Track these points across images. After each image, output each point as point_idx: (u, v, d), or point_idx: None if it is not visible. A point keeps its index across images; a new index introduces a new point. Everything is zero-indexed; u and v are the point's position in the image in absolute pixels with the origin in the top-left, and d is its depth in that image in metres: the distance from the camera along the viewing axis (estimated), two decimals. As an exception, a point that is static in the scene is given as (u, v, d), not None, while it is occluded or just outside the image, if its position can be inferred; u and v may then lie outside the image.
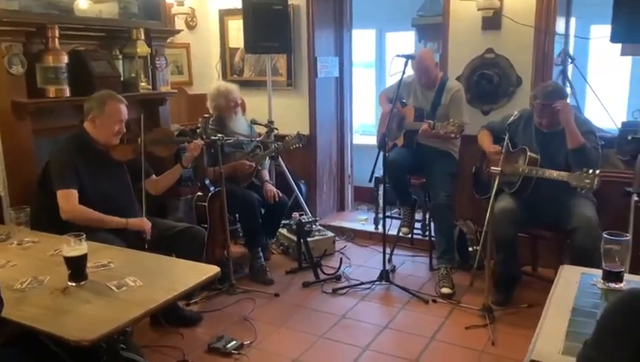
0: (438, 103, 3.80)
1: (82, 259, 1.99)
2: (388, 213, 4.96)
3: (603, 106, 4.13)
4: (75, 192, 2.84)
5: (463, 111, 3.79)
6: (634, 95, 5.40)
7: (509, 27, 3.92)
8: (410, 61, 3.58)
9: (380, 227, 4.65)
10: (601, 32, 4.81)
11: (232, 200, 3.64)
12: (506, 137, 3.17)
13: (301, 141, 4.02)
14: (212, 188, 3.66)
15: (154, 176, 3.32)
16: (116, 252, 2.41)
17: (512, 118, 3.21)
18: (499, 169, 3.10)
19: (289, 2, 4.55)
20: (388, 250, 4.18)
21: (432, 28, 5.63)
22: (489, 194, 3.56)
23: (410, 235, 4.24)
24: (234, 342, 2.96)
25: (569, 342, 1.50)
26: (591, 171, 2.87)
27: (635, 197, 3.28)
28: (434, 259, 3.99)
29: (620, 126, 4.02)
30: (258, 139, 4.01)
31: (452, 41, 4.14)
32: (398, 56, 3.63)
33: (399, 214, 4.81)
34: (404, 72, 3.61)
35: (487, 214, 3.11)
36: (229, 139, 3.65)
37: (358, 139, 5.87)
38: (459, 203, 4.15)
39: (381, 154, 3.57)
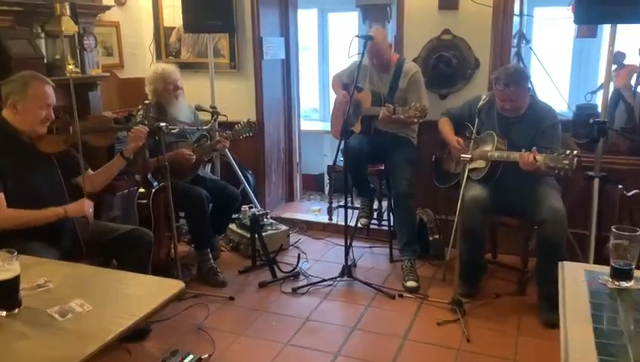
0: (395, 87, 3.60)
1: (14, 282, 1.62)
2: (341, 203, 4.81)
3: (558, 90, 4.10)
4: (1, 196, 2.41)
5: (423, 94, 3.61)
6: (579, 78, 5.46)
7: (466, 7, 3.77)
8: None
9: (335, 218, 4.46)
10: (545, 14, 4.81)
11: (178, 197, 3.28)
12: (476, 123, 3.02)
13: (252, 129, 3.71)
14: (155, 184, 3.28)
15: (90, 170, 2.92)
16: (52, 267, 2.02)
17: (482, 102, 3.06)
18: (469, 156, 2.95)
19: (231, -23, 4.17)
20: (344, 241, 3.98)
21: (378, 8, 5.40)
22: (451, 182, 3.45)
23: (368, 226, 4.04)
24: (191, 357, 2.64)
25: (604, 357, 1.34)
26: (568, 152, 2.77)
27: (596, 181, 3.27)
28: (395, 249, 3.83)
29: (574, 109, 4.02)
30: (205, 127, 3.64)
31: (407, 22, 3.94)
32: (357, 36, 3.40)
33: (352, 203, 4.64)
34: (362, 54, 3.38)
35: (459, 204, 2.95)
36: (173, 127, 3.28)
37: (302, 125, 5.61)
38: (417, 191, 4.00)
39: (344, 142, 3.31)
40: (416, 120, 3.18)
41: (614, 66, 4.40)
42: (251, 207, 4.20)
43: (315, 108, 6.94)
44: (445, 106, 3.81)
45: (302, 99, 5.30)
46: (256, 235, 3.72)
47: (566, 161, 2.77)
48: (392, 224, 3.94)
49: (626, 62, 3.83)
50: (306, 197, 5.59)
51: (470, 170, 3.20)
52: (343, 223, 4.35)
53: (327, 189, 5.93)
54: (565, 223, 2.99)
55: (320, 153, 5.95)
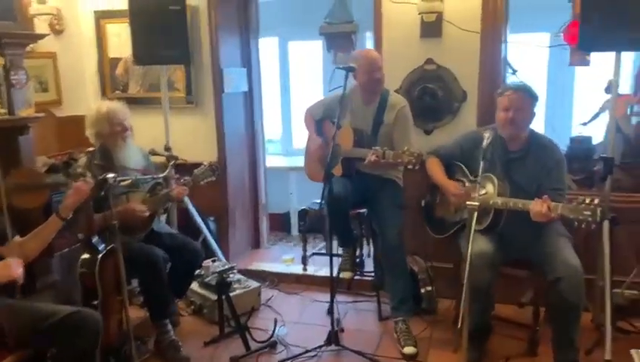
0: (380, 122, 3.19)
1: None
2: (314, 249, 4.34)
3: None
4: None
5: (411, 132, 3.23)
6: (554, 107, 5.23)
7: (450, 34, 3.44)
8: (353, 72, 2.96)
9: (309, 268, 4.00)
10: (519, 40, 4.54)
11: (129, 261, 2.72)
12: (481, 166, 2.62)
13: (214, 173, 3.21)
14: (101, 247, 2.70)
15: (18, 237, 2.34)
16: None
17: (487, 141, 2.67)
18: (476, 203, 2.54)
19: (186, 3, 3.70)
20: (322, 296, 3.51)
21: (342, 36, 5.08)
22: (448, 232, 3.05)
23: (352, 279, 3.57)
24: None
25: None
26: (588, 200, 2.40)
27: (606, 224, 2.94)
28: (384, 304, 3.38)
29: (568, 142, 3.73)
30: (160, 175, 3.10)
31: (387, 51, 3.57)
32: (338, 68, 2.98)
33: (326, 249, 4.18)
34: (345, 87, 2.96)
35: (468, 262, 2.53)
36: (124, 178, 2.74)
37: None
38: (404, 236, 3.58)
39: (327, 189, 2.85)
40: (410, 166, 2.76)
41: (608, 96, 4.23)
42: (214, 260, 3.66)
43: (275, 140, 6.48)
44: (430, 142, 3.45)
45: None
46: (224, 299, 3.18)
47: (587, 212, 2.39)
48: (376, 273, 3.50)
49: (619, 91, 3.57)
50: (272, 240, 5.09)
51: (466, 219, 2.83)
52: (319, 274, 3.96)
53: (293, 230, 5.46)
54: (583, 282, 2.62)
55: (285, 191, 5.47)
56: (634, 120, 3.57)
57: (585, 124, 3.88)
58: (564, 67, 4.98)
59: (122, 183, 2.73)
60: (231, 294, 3.30)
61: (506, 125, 2.80)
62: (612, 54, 2.92)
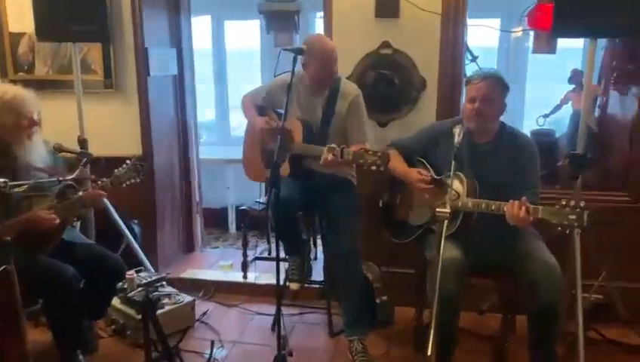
0: (331, 113, 2.80)
1: None
2: (255, 253, 3.90)
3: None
4: None
5: (367, 124, 2.85)
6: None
7: (409, 15, 3.08)
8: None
9: (251, 275, 3.57)
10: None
11: (32, 281, 2.20)
12: (452, 166, 2.28)
13: (139, 174, 2.70)
14: (-8, 268, 2.16)
15: None
16: None
17: (458, 137, 2.33)
18: (447, 210, 2.19)
19: (103, -32, 3.13)
20: (266, 308, 3.10)
21: (284, 16, 4.63)
22: (410, 236, 2.71)
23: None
24: None
25: None
26: (573, 203, 2.13)
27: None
28: (335, 315, 3.02)
29: (531, 136, 3.49)
30: (70, 177, 2.55)
31: (337, 32, 3.16)
32: (285, 50, 2.54)
33: (269, 253, 3.78)
34: (293, 72, 2.53)
35: (439, 272, 2.19)
36: (21, 183, 2.20)
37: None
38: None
39: (273, 192, 2.43)
40: (374, 168, 2.37)
41: (572, 86, 4.05)
42: (140, 271, 3.16)
43: (210, 128, 5.95)
44: (386, 136, 3.10)
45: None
46: (150, 321, 2.70)
47: (573, 216, 2.13)
48: (326, 280, 3.14)
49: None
50: (207, 239, 4.61)
51: (433, 221, 2.51)
52: (262, 281, 3.54)
53: (231, 227, 5.01)
54: (562, 281, 2.38)
55: (221, 184, 4.99)
56: (598, 112, 3.36)
57: (546, 116, 3.67)
58: (518, 55, 4.82)
59: (17, 190, 2.19)
60: (159, 312, 2.83)
61: (471, 117, 2.49)
62: (579, 41, 2.67)
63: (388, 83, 3.13)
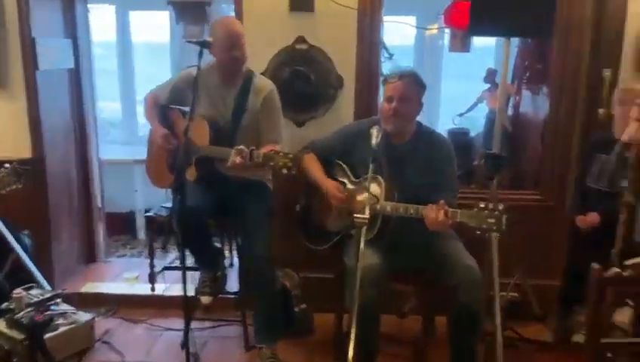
0: (242, 109, 2.61)
1: None
2: (164, 262, 3.62)
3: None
4: None
5: (281, 122, 2.69)
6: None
7: (324, 9, 2.94)
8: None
9: (159, 286, 3.30)
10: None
11: None
12: (371, 169, 2.17)
13: (20, 178, 2.38)
14: None
15: None
16: None
17: (375, 140, 2.22)
18: (366, 217, 2.08)
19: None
20: (176, 322, 2.86)
21: (195, 7, 4.38)
22: (328, 242, 2.58)
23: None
24: None
25: None
26: (492, 205, 2.09)
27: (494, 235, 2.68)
28: (251, 326, 2.82)
29: (446, 135, 3.46)
30: None
31: (249, 25, 2.94)
32: (190, 42, 2.32)
33: (180, 262, 3.50)
34: (198, 67, 2.31)
35: (358, 281, 2.06)
36: None
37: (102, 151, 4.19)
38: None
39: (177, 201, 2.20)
40: (285, 171, 2.20)
41: (488, 85, 4.08)
42: (31, 287, 2.81)
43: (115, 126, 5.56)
44: (303, 136, 2.95)
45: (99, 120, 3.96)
46: (37, 345, 2.39)
47: (491, 220, 2.09)
48: (241, 290, 2.94)
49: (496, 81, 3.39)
50: (113, 247, 4.27)
51: (348, 227, 2.40)
52: (172, 293, 3.28)
53: (140, 233, 4.67)
54: (481, 284, 2.34)
55: (128, 186, 4.64)
56: (511, 112, 3.39)
57: (461, 115, 3.67)
58: (433, 54, 4.84)
59: None
60: (52, 334, 2.52)
61: (389, 117, 2.40)
62: (492, 41, 2.66)
63: (304, 80, 2.98)
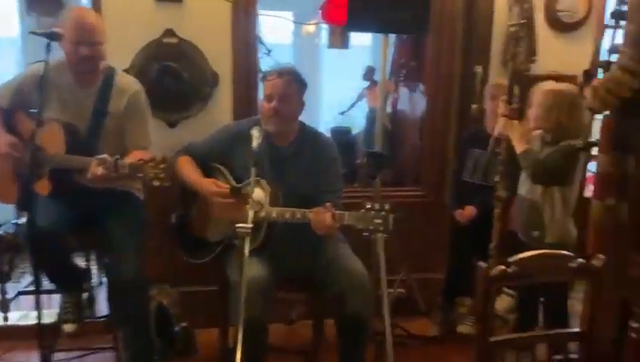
0: (103, 112, 2.29)
1: None
2: (19, 286, 3.16)
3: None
4: None
5: (149, 126, 2.42)
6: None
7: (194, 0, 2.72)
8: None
9: (13, 315, 2.89)
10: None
11: None
12: (253, 173, 2.00)
13: None
14: None
15: None
16: None
17: (256, 142, 2.05)
18: (249, 226, 1.91)
19: None
20: (33, 356, 2.49)
21: (46, -4, 3.92)
22: (209, 255, 2.37)
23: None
24: None
25: None
26: (378, 206, 2.02)
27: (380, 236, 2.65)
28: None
29: (329, 133, 3.39)
30: None
31: (110, 17, 2.63)
32: (34, 33, 1.98)
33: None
34: (47, 61, 1.99)
35: (243, 297, 1.89)
36: None
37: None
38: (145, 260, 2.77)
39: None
40: (157, 183, 1.95)
41: (367, 83, 4.06)
42: None
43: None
44: (176, 138, 2.71)
45: None
46: None
47: (378, 221, 2.03)
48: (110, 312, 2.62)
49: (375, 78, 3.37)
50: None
51: (231, 237, 2.23)
52: (28, 322, 2.85)
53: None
54: (370, 290, 2.27)
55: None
56: (390, 109, 3.40)
57: (343, 113, 3.62)
58: (311, 51, 4.77)
59: None
60: None
61: (270, 117, 2.25)
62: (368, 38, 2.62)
63: (175, 77, 2.73)
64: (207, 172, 2.37)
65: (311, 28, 4.34)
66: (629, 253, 1.80)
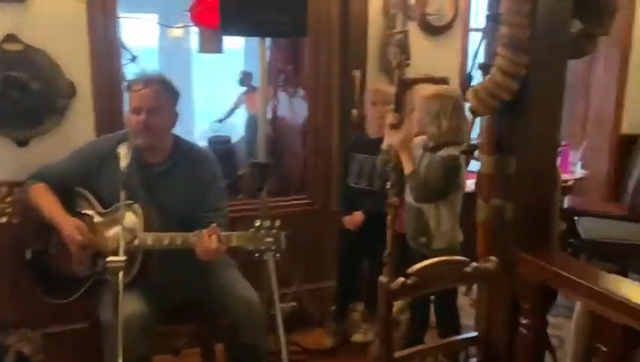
0: None
1: None
2: None
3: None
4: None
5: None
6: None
7: (40, 1, 2.37)
8: None
9: None
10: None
11: None
12: (122, 197, 1.75)
13: None
14: None
15: None
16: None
17: (125, 161, 1.80)
18: (122, 259, 1.66)
19: None
20: None
21: None
22: (77, 292, 2.06)
23: None
24: None
25: None
26: (269, 223, 1.88)
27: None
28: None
29: (207, 143, 3.17)
30: None
31: None
32: None
33: None
34: None
35: (120, 340, 1.63)
36: None
37: None
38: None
39: None
40: (5, 219, 1.64)
41: (244, 89, 3.84)
42: None
43: None
44: (27, 158, 2.35)
45: None
46: None
47: (270, 239, 1.89)
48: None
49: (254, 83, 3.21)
50: None
51: (104, 270, 1.95)
52: None
53: None
54: (263, 318, 2.13)
55: None
56: (270, 115, 3.27)
57: (220, 121, 3.41)
58: (181, 56, 4.48)
59: None
60: None
61: (138, 132, 2.02)
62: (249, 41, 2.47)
63: (21, 88, 2.35)
64: (69, 199, 2.07)
65: (179, 31, 4.06)
66: (517, 251, 1.82)
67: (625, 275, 3.24)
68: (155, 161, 2.10)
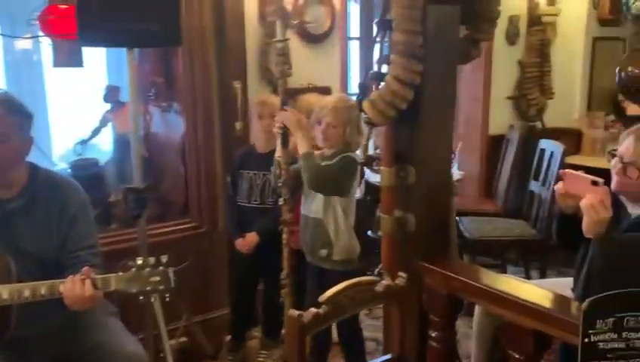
0: None
1: None
2: None
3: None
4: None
5: None
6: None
7: None
8: None
9: None
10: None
11: None
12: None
13: None
14: None
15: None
16: None
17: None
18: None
19: None
20: None
21: None
22: None
23: None
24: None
25: None
26: (153, 260, 1.64)
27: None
28: None
29: (69, 168, 2.79)
30: None
31: None
32: None
33: None
34: None
35: None
36: None
37: None
38: None
39: None
40: None
41: (110, 105, 3.41)
42: None
43: None
44: None
45: None
46: None
47: (156, 278, 1.65)
48: None
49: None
50: None
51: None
52: None
53: None
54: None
55: None
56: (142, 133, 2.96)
57: (84, 142, 3.03)
58: (30, 71, 3.96)
59: None
60: None
61: None
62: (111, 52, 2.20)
63: None
64: None
65: (26, 43, 3.59)
66: (421, 262, 1.77)
67: (504, 268, 3.42)
68: (6, 196, 1.75)
